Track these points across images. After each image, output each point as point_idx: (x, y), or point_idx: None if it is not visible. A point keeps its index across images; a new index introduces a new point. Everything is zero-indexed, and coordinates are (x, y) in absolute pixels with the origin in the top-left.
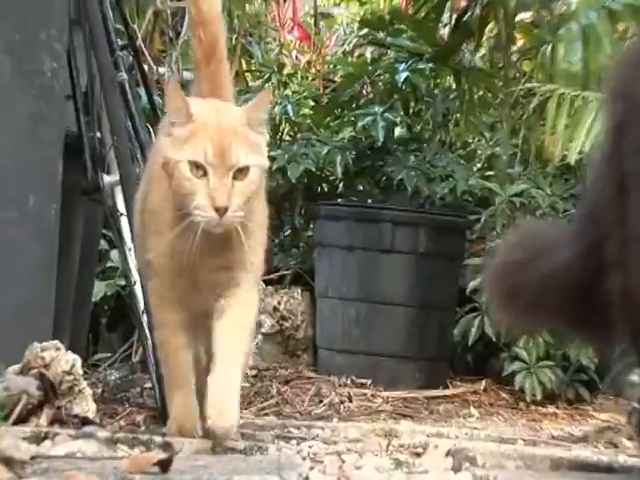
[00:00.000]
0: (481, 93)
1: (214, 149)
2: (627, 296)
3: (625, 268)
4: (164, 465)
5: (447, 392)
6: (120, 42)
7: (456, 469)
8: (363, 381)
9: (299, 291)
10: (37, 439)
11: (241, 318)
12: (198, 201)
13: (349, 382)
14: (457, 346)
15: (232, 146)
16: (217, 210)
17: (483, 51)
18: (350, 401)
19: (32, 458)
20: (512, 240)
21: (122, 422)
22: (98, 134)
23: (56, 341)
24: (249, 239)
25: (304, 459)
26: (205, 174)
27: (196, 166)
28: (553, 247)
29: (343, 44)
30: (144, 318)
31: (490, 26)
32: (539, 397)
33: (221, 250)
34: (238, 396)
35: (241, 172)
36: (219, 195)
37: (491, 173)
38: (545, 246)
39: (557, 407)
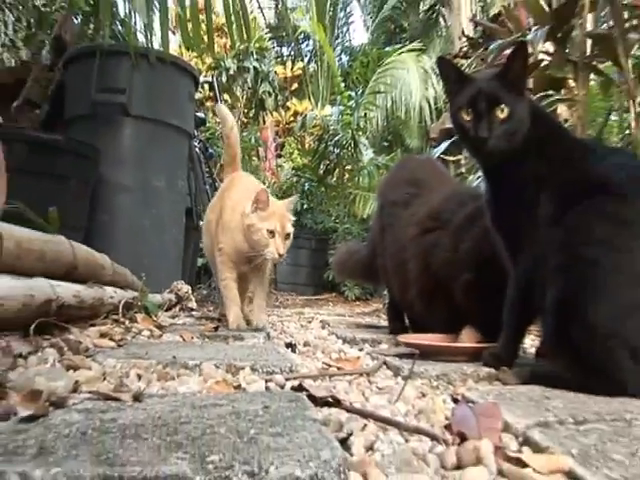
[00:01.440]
0: (333, 194)
1: (279, 224)
2: (383, 267)
3: (383, 257)
4: (215, 329)
5: (321, 297)
6: (207, 176)
7: (323, 327)
8: (292, 293)
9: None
10: (173, 317)
11: (264, 279)
12: (270, 249)
13: (287, 294)
14: (325, 281)
15: (286, 223)
16: (279, 255)
17: (335, 177)
18: (287, 301)
19: (170, 325)
20: (342, 248)
21: (205, 310)
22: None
23: (182, 281)
24: None
25: (268, 324)
26: (274, 236)
27: (270, 232)
28: (358, 251)
29: (287, 176)
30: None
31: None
32: (353, 298)
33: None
34: (266, 310)
35: (288, 236)
36: (281, 247)
37: (337, 221)
38: (355, 250)
39: (360, 302)
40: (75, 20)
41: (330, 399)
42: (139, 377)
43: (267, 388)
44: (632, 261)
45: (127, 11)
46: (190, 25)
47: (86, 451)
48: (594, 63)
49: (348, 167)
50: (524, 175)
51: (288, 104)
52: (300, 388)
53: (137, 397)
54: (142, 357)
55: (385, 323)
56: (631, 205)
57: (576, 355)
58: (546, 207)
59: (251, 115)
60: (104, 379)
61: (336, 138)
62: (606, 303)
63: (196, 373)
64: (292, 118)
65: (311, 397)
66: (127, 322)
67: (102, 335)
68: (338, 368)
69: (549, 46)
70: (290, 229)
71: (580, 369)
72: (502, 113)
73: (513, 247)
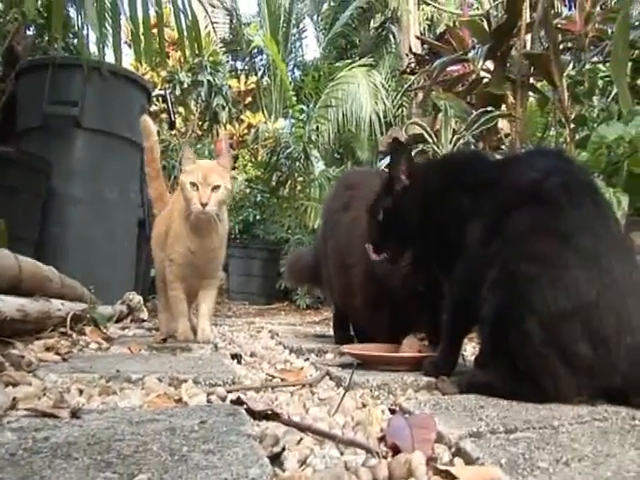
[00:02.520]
0: (285, 205)
1: (202, 176)
2: (327, 275)
3: (326, 265)
4: (164, 340)
5: (273, 306)
6: None
7: (272, 337)
8: (245, 303)
9: (224, 273)
10: (123, 328)
11: (212, 292)
12: (193, 200)
13: (239, 304)
14: (277, 290)
15: (210, 175)
16: (202, 205)
17: (287, 189)
18: (240, 311)
19: (119, 337)
20: (292, 255)
21: (156, 320)
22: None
23: (134, 292)
24: (221, 247)
25: (216, 335)
26: (197, 189)
27: (193, 184)
28: (305, 257)
29: (240, 187)
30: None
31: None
32: (305, 307)
33: (209, 234)
34: (210, 324)
35: (216, 188)
36: (203, 197)
37: (289, 232)
38: (302, 256)
39: (311, 310)
40: (28, 32)
41: (269, 412)
42: (80, 392)
43: (209, 401)
44: (567, 274)
45: (80, 24)
46: (143, 39)
47: (12, 473)
48: (531, 81)
49: (300, 179)
50: (442, 218)
51: (242, 117)
52: (239, 402)
53: (75, 413)
54: (86, 371)
55: (331, 332)
56: (566, 216)
57: (511, 363)
58: (476, 231)
59: (205, 128)
60: (44, 395)
61: (288, 151)
62: (541, 313)
63: (139, 387)
64: (246, 130)
65: (249, 411)
66: (75, 335)
67: (48, 349)
68: (281, 379)
69: (490, 64)
70: (217, 180)
71: (514, 377)
72: (380, 215)
73: (446, 266)
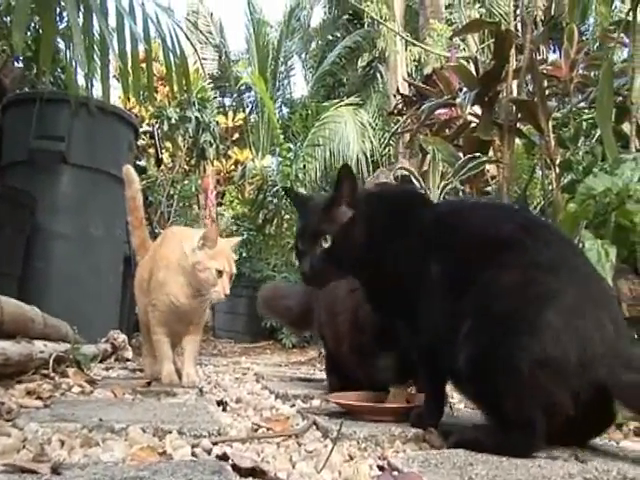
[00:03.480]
0: (272, 243)
1: (227, 264)
2: (319, 321)
3: (318, 310)
4: (148, 384)
5: (258, 345)
6: (146, 224)
7: (257, 381)
8: (230, 341)
9: (210, 311)
10: (107, 369)
11: (197, 336)
12: (217, 289)
13: (225, 342)
14: (263, 329)
15: (232, 263)
16: (225, 295)
17: (274, 227)
18: (225, 349)
19: (102, 378)
20: (268, 289)
21: (141, 360)
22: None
23: (118, 330)
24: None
25: (201, 377)
26: (221, 275)
27: (219, 271)
28: (286, 296)
29: (227, 224)
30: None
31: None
32: (291, 346)
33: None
34: (195, 366)
35: (232, 276)
36: (226, 287)
37: (275, 270)
38: (283, 294)
39: (296, 349)
40: (16, 64)
41: (255, 469)
42: (62, 443)
43: (193, 454)
44: (539, 309)
45: (68, 59)
46: (131, 73)
47: None
48: (518, 126)
49: (287, 217)
50: (393, 257)
51: (229, 153)
52: (225, 457)
53: (55, 469)
54: (68, 419)
55: (319, 375)
56: (533, 254)
57: (497, 407)
58: (437, 277)
59: (192, 163)
60: (24, 447)
61: (275, 189)
62: (528, 351)
63: (122, 437)
64: (233, 167)
65: (235, 467)
66: (57, 377)
67: (29, 393)
68: (267, 429)
69: (477, 109)
70: (234, 269)
71: (502, 428)
72: (326, 243)
73: (409, 318)
